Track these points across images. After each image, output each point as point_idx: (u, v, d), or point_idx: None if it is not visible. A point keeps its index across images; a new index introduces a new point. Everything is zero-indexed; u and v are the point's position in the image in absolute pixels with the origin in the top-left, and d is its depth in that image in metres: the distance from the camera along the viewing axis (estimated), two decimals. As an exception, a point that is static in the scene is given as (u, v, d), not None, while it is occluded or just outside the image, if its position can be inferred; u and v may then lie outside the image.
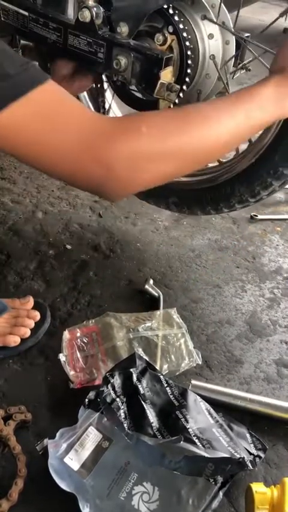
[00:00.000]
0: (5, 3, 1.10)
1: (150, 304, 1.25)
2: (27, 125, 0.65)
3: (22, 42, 1.42)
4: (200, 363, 1.09)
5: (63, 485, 0.81)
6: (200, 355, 1.10)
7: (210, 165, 1.26)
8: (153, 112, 0.77)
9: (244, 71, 1.14)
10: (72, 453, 0.85)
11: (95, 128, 0.68)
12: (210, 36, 1.04)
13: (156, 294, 1.26)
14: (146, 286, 1.27)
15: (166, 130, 0.72)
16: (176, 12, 1.01)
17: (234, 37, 1.05)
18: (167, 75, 0.96)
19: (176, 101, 1.04)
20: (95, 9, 0.98)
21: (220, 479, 0.84)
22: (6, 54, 0.66)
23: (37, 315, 1.13)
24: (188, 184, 1.29)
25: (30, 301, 1.16)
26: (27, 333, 1.09)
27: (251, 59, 1.10)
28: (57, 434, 0.88)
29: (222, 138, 0.77)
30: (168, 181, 0.78)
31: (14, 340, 1.07)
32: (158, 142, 0.71)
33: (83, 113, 0.70)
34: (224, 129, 0.76)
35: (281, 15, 1.02)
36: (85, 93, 1.40)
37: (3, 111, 0.62)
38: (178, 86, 0.98)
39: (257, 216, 1.64)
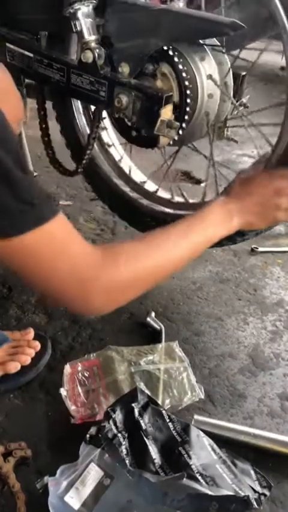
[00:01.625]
0: (11, 46, 1.14)
1: (152, 337, 1.24)
2: (35, 253, 0.72)
3: (26, 81, 1.46)
4: (203, 397, 1.08)
5: (63, 525, 0.79)
6: (203, 390, 1.09)
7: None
8: (128, 245, 0.88)
9: (243, 107, 1.17)
10: (72, 491, 0.83)
11: (85, 266, 0.78)
12: (210, 96, 1.08)
13: (158, 327, 1.26)
14: (148, 319, 1.27)
15: (139, 265, 0.84)
16: (177, 54, 1.04)
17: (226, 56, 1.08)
18: (167, 112, 0.99)
19: (176, 137, 1.07)
20: (97, 50, 1.02)
21: (224, 518, 0.82)
22: (34, 184, 0.73)
23: (38, 345, 1.13)
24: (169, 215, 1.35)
25: (31, 333, 1.16)
26: (27, 360, 1.08)
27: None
28: (58, 471, 0.86)
29: (183, 257, 0.92)
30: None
31: (14, 366, 1.06)
32: (133, 275, 0.83)
33: (80, 250, 0.79)
34: (184, 251, 0.91)
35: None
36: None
37: (19, 237, 0.69)
38: (178, 123, 1.00)
39: (257, 248, 1.65)
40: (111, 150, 1.46)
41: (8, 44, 1.15)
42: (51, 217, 0.72)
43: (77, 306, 0.84)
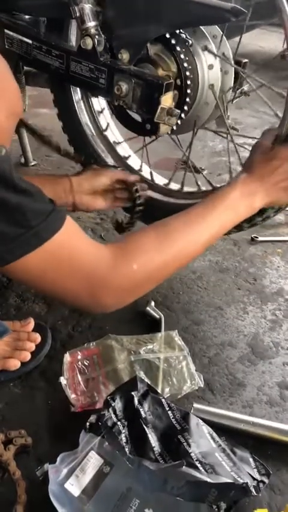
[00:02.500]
0: (10, 32, 1.12)
1: (152, 326, 1.24)
2: (41, 271, 0.72)
3: (25, 68, 1.45)
4: (202, 385, 1.08)
5: (63, 512, 0.80)
6: (202, 378, 1.09)
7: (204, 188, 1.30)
8: (140, 240, 0.85)
9: (243, 95, 1.16)
10: (72, 478, 0.84)
11: (95, 272, 0.78)
12: (210, 66, 1.06)
13: (158, 316, 1.26)
14: (147, 308, 1.27)
15: (152, 262, 0.83)
16: (178, 40, 1.02)
17: (233, 68, 1.07)
18: (167, 100, 0.98)
19: (176, 124, 1.05)
20: (96, 37, 1.01)
21: (223, 505, 0.83)
22: (31, 202, 0.70)
23: (38, 338, 1.13)
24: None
25: (31, 323, 1.16)
26: (27, 356, 1.09)
27: (248, 87, 1.12)
28: (58, 459, 0.87)
29: (199, 246, 0.89)
30: None
31: (14, 364, 1.07)
32: (146, 274, 0.83)
33: (89, 256, 0.78)
34: (201, 238, 0.88)
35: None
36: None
37: (21, 260, 0.68)
38: (178, 111, 0.99)
39: (257, 237, 1.65)
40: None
41: (6, 30, 1.14)
42: (51, 235, 0.70)
43: (90, 308, 0.86)
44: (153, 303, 1.29)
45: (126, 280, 0.81)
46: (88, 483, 0.84)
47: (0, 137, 0.84)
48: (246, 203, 0.92)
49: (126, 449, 0.87)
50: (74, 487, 0.83)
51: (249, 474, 0.87)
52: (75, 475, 0.84)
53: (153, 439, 0.89)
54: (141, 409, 0.93)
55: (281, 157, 0.95)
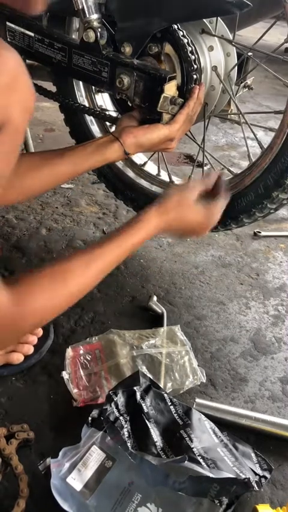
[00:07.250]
0: (12, 25, 1.12)
1: (154, 321, 1.24)
2: None
3: (27, 61, 1.44)
4: (204, 381, 1.08)
5: (65, 506, 0.80)
6: (204, 373, 1.09)
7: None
8: (35, 285, 0.82)
9: (247, 89, 1.15)
10: (75, 473, 0.84)
11: None
12: (210, 48, 1.05)
13: (160, 311, 1.26)
14: (150, 303, 1.27)
15: (45, 309, 0.81)
16: (177, 29, 1.01)
17: (234, 49, 1.06)
18: (171, 88, 0.97)
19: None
20: (99, 30, 1.00)
21: (225, 500, 0.83)
22: None
23: (40, 331, 1.13)
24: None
25: (33, 318, 1.15)
26: (30, 350, 1.09)
27: (254, 73, 1.11)
28: (60, 453, 0.87)
29: (94, 284, 0.87)
30: None
31: (17, 358, 1.07)
32: (35, 322, 0.83)
33: None
34: (97, 278, 0.87)
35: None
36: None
37: None
38: (182, 100, 0.99)
39: (260, 232, 1.64)
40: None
41: (8, 23, 1.13)
42: None
43: None
44: (155, 298, 1.29)
45: (19, 326, 0.81)
46: (90, 477, 0.84)
47: (16, 135, 0.83)
48: (153, 232, 0.95)
49: (129, 444, 0.87)
50: (76, 482, 0.83)
51: (251, 469, 0.87)
52: (77, 469, 0.84)
53: (155, 433, 0.89)
54: (143, 404, 0.93)
55: (193, 213, 0.99)
